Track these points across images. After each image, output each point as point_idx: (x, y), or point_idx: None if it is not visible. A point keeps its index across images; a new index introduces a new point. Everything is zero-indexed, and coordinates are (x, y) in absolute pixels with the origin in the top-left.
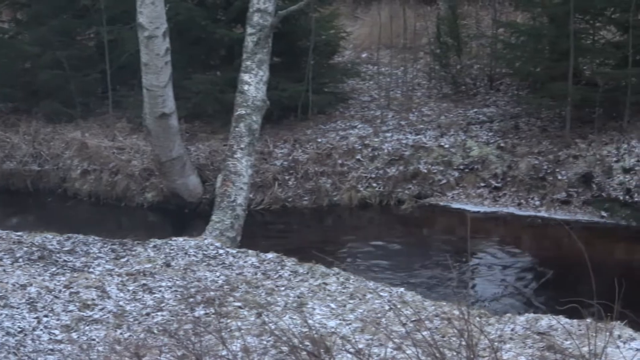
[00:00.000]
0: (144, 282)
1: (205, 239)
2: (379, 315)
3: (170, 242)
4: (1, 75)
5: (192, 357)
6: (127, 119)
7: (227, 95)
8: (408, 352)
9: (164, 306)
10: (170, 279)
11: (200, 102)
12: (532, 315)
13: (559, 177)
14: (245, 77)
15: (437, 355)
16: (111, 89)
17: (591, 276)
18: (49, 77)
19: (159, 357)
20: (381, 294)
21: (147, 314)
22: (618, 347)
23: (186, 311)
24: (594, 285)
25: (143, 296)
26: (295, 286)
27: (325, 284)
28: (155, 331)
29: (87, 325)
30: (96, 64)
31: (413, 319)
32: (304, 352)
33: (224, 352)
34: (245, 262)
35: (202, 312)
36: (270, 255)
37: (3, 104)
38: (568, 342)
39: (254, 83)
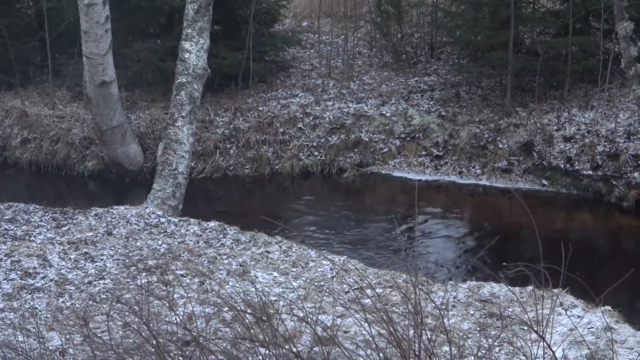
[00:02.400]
0: (85, 250)
1: (147, 207)
2: (323, 282)
3: (111, 210)
4: None
5: (140, 322)
6: (67, 88)
7: (167, 63)
8: (356, 316)
9: (106, 274)
10: (112, 248)
11: (140, 70)
12: (474, 282)
13: (500, 146)
14: (186, 45)
15: (385, 318)
16: (51, 58)
17: (538, 243)
18: None
19: (106, 323)
20: (324, 262)
21: (90, 282)
22: (560, 314)
23: (129, 279)
24: (541, 252)
25: (85, 264)
26: (238, 254)
27: (268, 252)
28: (98, 299)
29: (29, 294)
30: (35, 32)
31: (356, 287)
32: (249, 318)
33: (170, 319)
34: (187, 230)
35: (145, 280)
36: (212, 223)
37: None
38: (510, 309)
39: (194, 51)
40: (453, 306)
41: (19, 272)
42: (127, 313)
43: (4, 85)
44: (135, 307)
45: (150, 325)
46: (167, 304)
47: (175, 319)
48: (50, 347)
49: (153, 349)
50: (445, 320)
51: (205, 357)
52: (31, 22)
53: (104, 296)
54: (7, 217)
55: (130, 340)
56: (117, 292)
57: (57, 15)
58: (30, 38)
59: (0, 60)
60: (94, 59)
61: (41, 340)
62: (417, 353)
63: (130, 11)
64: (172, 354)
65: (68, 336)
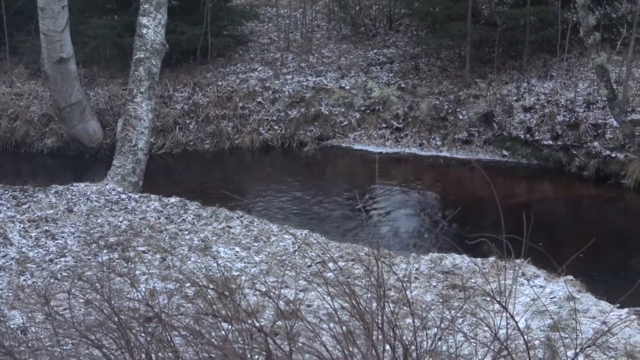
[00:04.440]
0: (46, 228)
1: (107, 184)
2: (285, 257)
3: (71, 187)
4: None
5: (102, 300)
6: (24, 65)
7: (125, 39)
8: (319, 289)
9: (67, 252)
10: (73, 225)
11: (98, 46)
12: (436, 254)
13: (460, 117)
14: (144, 20)
15: (347, 291)
16: (8, 35)
17: (499, 214)
18: None
19: (68, 301)
20: (286, 236)
21: (51, 260)
22: (523, 284)
23: (90, 257)
24: (502, 222)
25: (46, 242)
26: (199, 230)
27: (229, 227)
28: (59, 277)
29: None
30: None
31: (318, 261)
32: (212, 293)
33: (132, 295)
34: (148, 206)
35: (106, 257)
36: (173, 199)
37: None
38: (473, 280)
39: (152, 26)
40: (415, 278)
41: None
42: (88, 290)
43: None
44: (97, 284)
45: (112, 302)
46: (129, 281)
47: (137, 295)
48: (11, 326)
49: (115, 326)
50: (407, 292)
51: (167, 333)
52: None
53: (65, 274)
54: None
55: (92, 318)
56: (78, 270)
57: None
58: None
59: None
60: (51, 36)
61: (2, 319)
62: (380, 326)
63: None
64: (134, 331)
65: (29, 314)
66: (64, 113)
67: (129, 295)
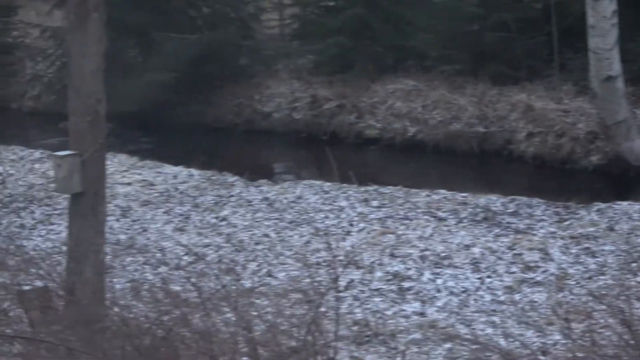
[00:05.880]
0: (586, 245)
1: None
2: None
3: (613, 206)
4: (447, 38)
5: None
6: (572, 82)
7: None
8: None
9: (605, 270)
10: (613, 243)
11: None
12: None
13: None
14: None
15: None
16: (557, 52)
17: None
18: (494, 39)
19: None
20: None
21: (589, 278)
22: None
23: (629, 276)
24: None
25: (585, 260)
26: None
27: None
28: (596, 295)
29: (529, 287)
30: (542, 26)
31: None
32: None
33: None
34: None
35: None
36: None
37: (449, 66)
38: None
39: None
40: None
41: (520, 266)
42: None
43: (510, 79)
44: (617, 308)
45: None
46: None
47: None
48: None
49: None
50: None
51: None
52: (538, 16)
53: (604, 292)
54: (510, 211)
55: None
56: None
57: (564, 9)
58: (536, 32)
59: (506, 54)
60: (599, 54)
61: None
62: None
63: (635, 5)
64: None
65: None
66: (610, 131)
67: None
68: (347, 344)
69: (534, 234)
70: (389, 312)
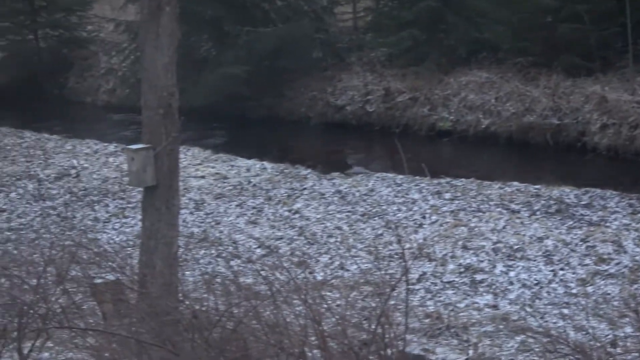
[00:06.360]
0: None
1: None
2: None
3: None
4: (521, 29)
5: None
6: None
7: None
8: None
9: None
10: None
11: None
12: None
13: None
14: None
15: None
16: (631, 43)
17: None
18: (568, 31)
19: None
20: None
21: None
22: None
23: None
24: None
25: None
26: None
27: None
28: None
29: (602, 280)
30: (615, 18)
31: None
32: None
33: None
34: None
35: None
36: None
37: (523, 57)
38: None
39: None
40: None
41: (593, 258)
42: None
43: (584, 71)
44: None
45: None
46: None
47: None
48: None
49: None
50: None
51: None
52: (612, 7)
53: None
54: (584, 203)
55: None
56: None
57: (639, 1)
58: (610, 23)
59: (580, 46)
60: None
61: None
62: None
63: None
64: None
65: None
66: None
67: None
68: (418, 336)
69: (608, 226)
70: (461, 305)
